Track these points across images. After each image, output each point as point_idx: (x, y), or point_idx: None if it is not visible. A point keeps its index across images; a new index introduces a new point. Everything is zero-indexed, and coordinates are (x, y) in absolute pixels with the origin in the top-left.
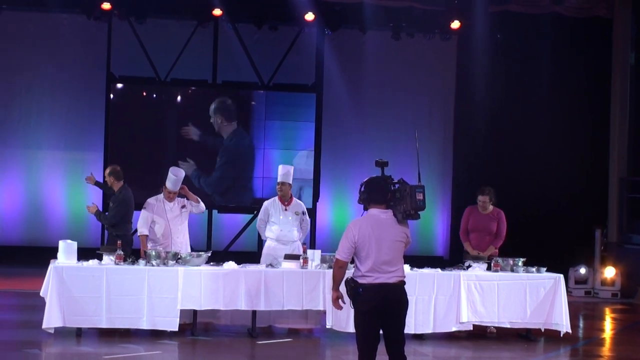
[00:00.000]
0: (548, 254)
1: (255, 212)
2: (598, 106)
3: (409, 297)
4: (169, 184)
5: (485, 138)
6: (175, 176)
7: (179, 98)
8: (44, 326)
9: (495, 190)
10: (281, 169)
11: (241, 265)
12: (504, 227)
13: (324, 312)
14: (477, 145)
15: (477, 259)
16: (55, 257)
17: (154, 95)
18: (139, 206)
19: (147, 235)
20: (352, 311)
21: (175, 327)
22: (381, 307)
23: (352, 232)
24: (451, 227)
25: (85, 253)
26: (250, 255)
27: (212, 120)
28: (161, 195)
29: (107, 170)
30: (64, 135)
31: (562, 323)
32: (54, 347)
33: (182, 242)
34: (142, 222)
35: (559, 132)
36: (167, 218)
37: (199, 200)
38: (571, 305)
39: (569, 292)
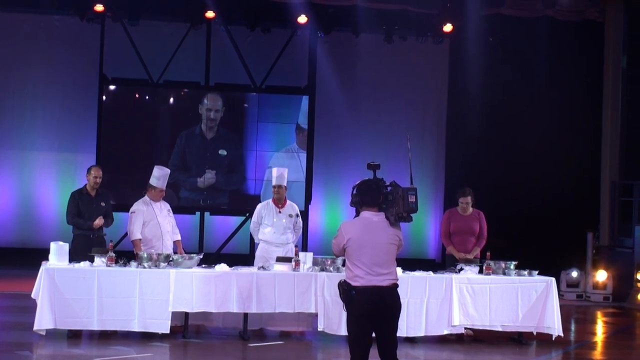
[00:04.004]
0: (540, 257)
1: (247, 214)
2: (590, 109)
3: (401, 300)
4: (157, 182)
5: (477, 141)
6: (161, 171)
7: (171, 100)
8: (35, 328)
9: (479, 192)
10: (275, 171)
11: (233, 267)
12: (485, 227)
13: (316, 315)
14: (470, 148)
15: (468, 262)
16: (47, 259)
17: (147, 97)
18: (125, 208)
19: (140, 239)
20: (344, 314)
21: (166, 330)
22: (374, 310)
23: (342, 234)
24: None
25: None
26: (242, 257)
27: (212, 117)
28: (147, 198)
29: (100, 172)
30: (57, 137)
31: (554, 326)
32: (45, 349)
33: (169, 247)
34: (134, 226)
35: (551, 135)
36: (159, 220)
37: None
38: (563, 308)
39: (560, 296)
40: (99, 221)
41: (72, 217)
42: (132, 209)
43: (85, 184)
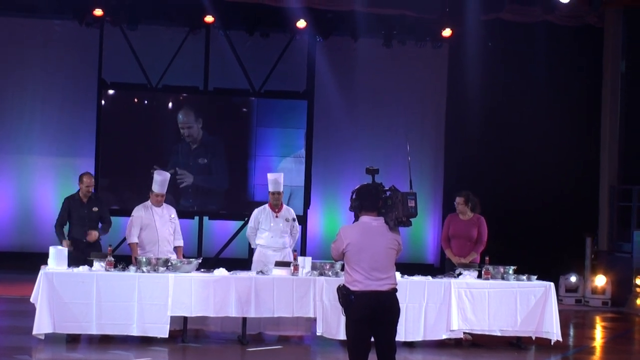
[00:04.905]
0: (539, 262)
1: (246, 218)
2: (589, 114)
3: (399, 305)
4: (155, 186)
5: (476, 145)
6: (160, 177)
7: (170, 104)
8: (34, 332)
9: (479, 197)
10: (270, 177)
11: (232, 272)
12: (484, 232)
13: (315, 320)
14: (469, 152)
15: (466, 266)
16: (46, 263)
17: (146, 102)
18: (124, 212)
19: (137, 243)
20: (342, 318)
21: (165, 334)
22: (373, 314)
23: (341, 238)
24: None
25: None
26: (241, 262)
27: (187, 134)
28: (148, 202)
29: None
30: (56, 141)
31: (553, 331)
32: (44, 354)
33: (169, 251)
34: (131, 230)
35: (550, 140)
36: (156, 225)
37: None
38: (562, 313)
39: (559, 300)
40: (90, 237)
41: (57, 226)
42: (132, 213)
43: (78, 190)
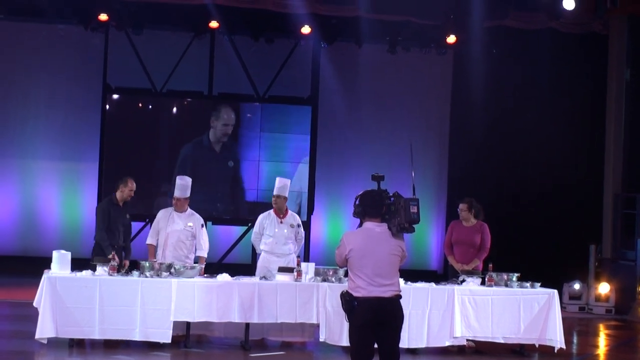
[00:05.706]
0: (542, 269)
1: (249, 224)
2: (593, 121)
3: (403, 311)
4: (176, 191)
5: (480, 152)
6: (181, 181)
7: (174, 109)
8: (37, 336)
9: (482, 204)
10: (278, 181)
11: (235, 277)
12: (487, 239)
13: (318, 326)
14: (473, 159)
15: (469, 273)
16: (49, 267)
17: (150, 106)
18: (139, 217)
19: (154, 246)
20: (346, 325)
21: (168, 339)
22: (376, 321)
23: (344, 244)
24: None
25: (79, 263)
26: (244, 267)
27: (228, 132)
28: (172, 207)
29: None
30: (60, 145)
31: (556, 339)
32: (46, 358)
33: (175, 257)
34: (150, 232)
35: (554, 147)
36: (167, 230)
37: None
38: (565, 320)
39: (563, 308)
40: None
41: (103, 234)
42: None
43: (114, 195)
